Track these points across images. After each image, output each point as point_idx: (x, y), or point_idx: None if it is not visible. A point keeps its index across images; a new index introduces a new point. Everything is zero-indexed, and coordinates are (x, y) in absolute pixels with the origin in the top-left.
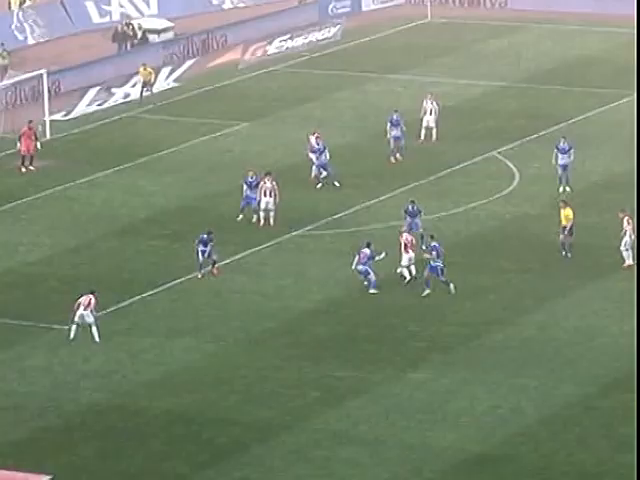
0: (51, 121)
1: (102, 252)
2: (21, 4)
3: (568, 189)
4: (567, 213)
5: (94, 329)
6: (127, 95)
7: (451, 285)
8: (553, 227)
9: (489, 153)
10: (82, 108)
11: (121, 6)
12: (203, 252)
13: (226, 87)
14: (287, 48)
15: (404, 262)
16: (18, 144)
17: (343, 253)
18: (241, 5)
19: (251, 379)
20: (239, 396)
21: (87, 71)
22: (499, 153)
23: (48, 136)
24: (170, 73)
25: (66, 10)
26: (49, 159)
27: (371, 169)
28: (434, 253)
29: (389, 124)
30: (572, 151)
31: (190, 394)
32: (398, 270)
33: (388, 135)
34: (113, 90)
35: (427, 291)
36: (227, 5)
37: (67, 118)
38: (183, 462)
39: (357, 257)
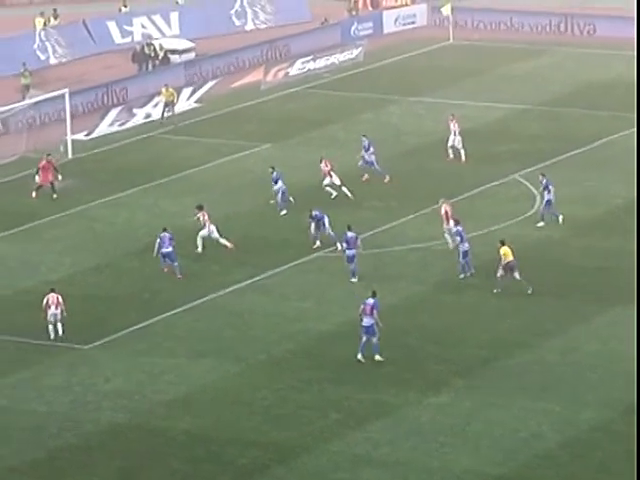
0: (73, 141)
1: (123, 272)
2: (45, 24)
3: (561, 220)
4: (505, 252)
5: (60, 325)
6: (148, 115)
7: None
8: (574, 251)
9: (511, 176)
10: (104, 128)
11: (143, 27)
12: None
13: (248, 108)
14: (309, 69)
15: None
16: (37, 177)
17: (363, 275)
18: (263, 26)
19: (272, 400)
20: (259, 417)
21: (109, 91)
22: (521, 176)
23: (70, 156)
24: (192, 94)
25: (88, 30)
26: (71, 179)
27: (392, 191)
28: (458, 238)
29: (363, 150)
30: (552, 188)
31: (210, 415)
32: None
33: (361, 161)
34: (135, 110)
35: (462, 275)
36: (249, 26)
37: (89, 138)
38: None
39: (361, 308)
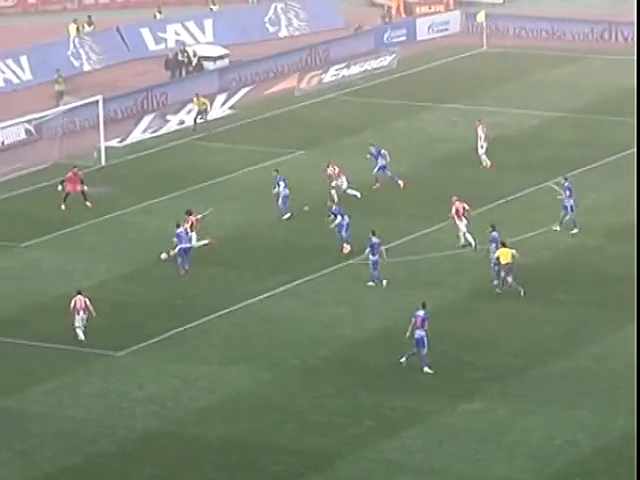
0: (106, 147)
1: (156, 279)
2: (78, 31)
3: (576, 230)
4: (503, 253)
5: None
6: (182, 122)
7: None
8: (609, 258)
9: (545, 183)
10: (137, 135)
11: (177, 33)
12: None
13: (281, 115)
14: (343, 76)
15: (462, 229)
16: (60, 187)
17: (398, 282)
18: (297, 33)
19: (306, 407)
20: (294, 424)
21: (142, 98)
22: (555, 183)
23: (103, 162)
24: (225, 100)
25: (122, 37)
26: (104, 185)
27: (426, 198)
28: (493, 244)
29: (372, 157)
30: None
31: (244, 422)
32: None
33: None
34: (168, 117)
35: (496, 282)
36: (283, 33)
37: (122, 145)
38: None
39: (413, 321)
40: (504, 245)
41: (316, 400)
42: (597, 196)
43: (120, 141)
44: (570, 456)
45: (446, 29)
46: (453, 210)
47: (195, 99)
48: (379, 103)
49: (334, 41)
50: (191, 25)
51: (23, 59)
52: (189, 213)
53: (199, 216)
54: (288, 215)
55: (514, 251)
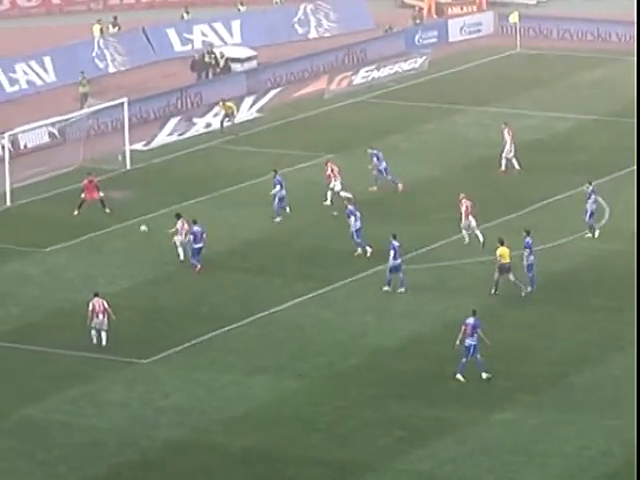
0: (131, 151)
1: (182, 285)
2: (102, 32)
3: (596, 234)
4: (502, 252)
5: (104, 335)
6: (209, 125)
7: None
8: None
9: (579, 188)
10: (163, 138)
11: (203, 34)
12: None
13: (310, 118)
14: (373, 78)
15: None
16: (83, 195)
17: (428, 288)
18: (326, 34)
19: (334, 417)
20: (321, 435)
21: (168, 100)
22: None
23: (128, 166)
24: (253, 103)
25: (148, 38)
26: (129, 189)
27: (457, 203)
28: (527, 250)
29: (375, 159)
30: (594, 197)
31: (271, 432)
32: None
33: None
34: (194, 120)
35: (529, 289)
36: (312, 34)
37: (147, 148)
38: None
39: (462, 329)
40: (502, 244)
41: (344, 410)
42: (630, 201)
43: (145, 144)
44: (604, 467)
45: (478, 30)
46: (463, 208)
47: (221, 104)
48: (410, 105)
49: (364, 42)
50: (218, 26)
51: (47, 60)
52: (178, 216)
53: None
54: (279, 219)
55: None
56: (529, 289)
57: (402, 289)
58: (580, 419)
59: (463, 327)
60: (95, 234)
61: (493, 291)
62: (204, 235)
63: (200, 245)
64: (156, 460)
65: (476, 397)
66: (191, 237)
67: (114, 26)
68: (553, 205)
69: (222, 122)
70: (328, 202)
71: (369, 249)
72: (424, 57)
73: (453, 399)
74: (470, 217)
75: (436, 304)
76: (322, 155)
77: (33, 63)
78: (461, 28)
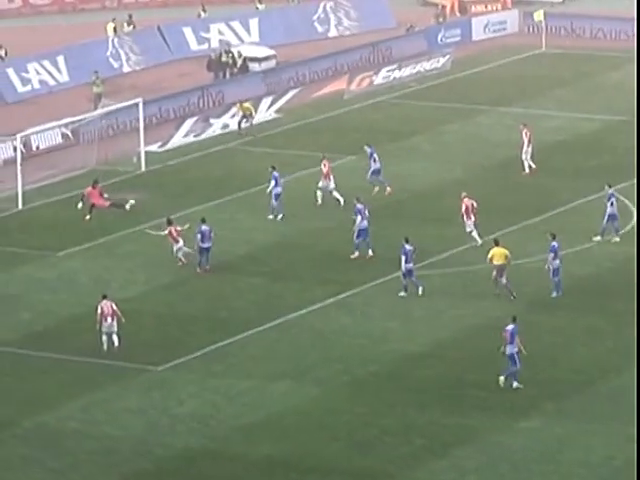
0: (146, 152)
1: (198, 289)
2: (115, 30)
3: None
4: (495, 253)
5: (115, 337)
6: (226, 126)
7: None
8: None
9: (605, 190)
10: (179, 139)
11: (221, 33)
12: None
13: (330, 119)
14: (394, 78)
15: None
16: (80, 204)
17: (451, 294)
18: (347, 33)
19: (354, 425)
20: (341, 443)
21: (184, 100)
22: (616, 190)
23: (143, 168)
24: (272, 104)
25: (163, 37)
26: (143, 192)
27: (481, 206)
28: (552, 254)
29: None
30: (614, 200)
31: (290, 440)
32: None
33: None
34: (211, 121)
35: (554, 294)
36: (332, 33)
37: (163, 149)
38: None
39: (504, 336)
40: (497, 244)
41: (365, 417)
42: None
43: (161, 146)
44: (631, 477)
45: (503, 29)
46: (463, 208)
47: (238, 106)
48: (432, 106)
49: (386, 41)
50: (236, 24)
51: (60, 60)
52: (170, 222)
53: (179, 228)
54: (281, 216)
55: (508, 252)
56: (554, 294)
57: (420, 292)
58: (606, 428)
59: (504, 334)
60: (108, 238)
61: (498, 291)
62: (212, 234)
63: (208, 245)
64: (171, 469)
65: (500, 404)
66: (198, 236)
67: (129, 24)
68: (579, 208)
69: (240, 123)
70: (319, 202)
71: (370, 253)
72: (447, 56)
73: (476, 406)
74: (472, 217)
75: (458, 309)
76: (341, 157)
77: (46, 62)
78: (485, 26)
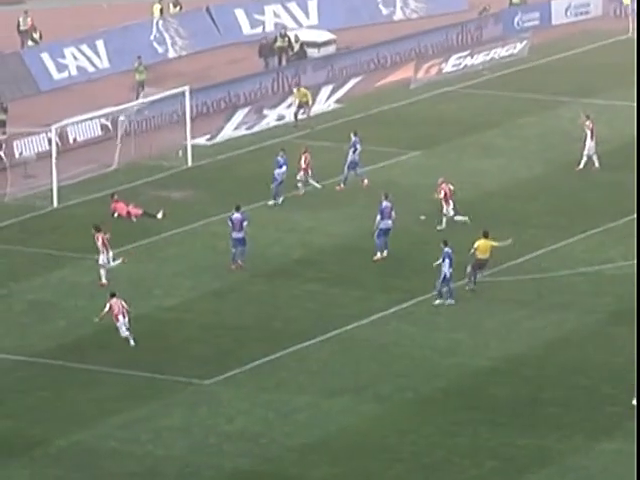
0: (193, 146)
1: (250, 297)
2: (162, 12)
3: None
4: (480, 245)
5: (130, 334)
6: (281, 117)
7: None
8: None
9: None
10: (229, 132)
11: (276, 15)
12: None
13: (394, 110)
14: (465, 66)
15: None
16: (115, 214)
17: (526, 303)
18: (414, 16)
19: (419, 446)
20: (405, 465)
21: (236, 89)
22: None
23: (190, 163)
24: (331, 93)
25: (213, 19)
26: (190, 190)
27: (561, 207)
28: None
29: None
30: None
31: (349, 461)
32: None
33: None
34: (265, 112)
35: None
36: (398, 16)
37: (211, 143)
38: None
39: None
40: (486, 236)
41: (431, 438)
42: None
43: (209, 139)
44: None
45: (586, 12)
46: (442, 194)
47: (295, 91)
48: (507, 97)
49: (456, 25)
50: (293, 6)
51: (99, 44)
52: (97, 229)
53: (107, 236)
54: (280, 200)
55: (496, 244)
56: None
57: (451, 300)
58: None
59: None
60: (151, 239)
61: (468, 287)
62: (244, 224)
63: (240, 235)
64: None
65: (578, 424)
66: (230, 224)
67: (175, 5)
68: None
69: (296, 114)
70: (302, 192)
71: (385, 253)
72: (524, 42)
73: (553, 426)
74: (450, 202)
75: (532, 320)
76: (406, 152)
77: (84, 47)
78: (566, 9)
